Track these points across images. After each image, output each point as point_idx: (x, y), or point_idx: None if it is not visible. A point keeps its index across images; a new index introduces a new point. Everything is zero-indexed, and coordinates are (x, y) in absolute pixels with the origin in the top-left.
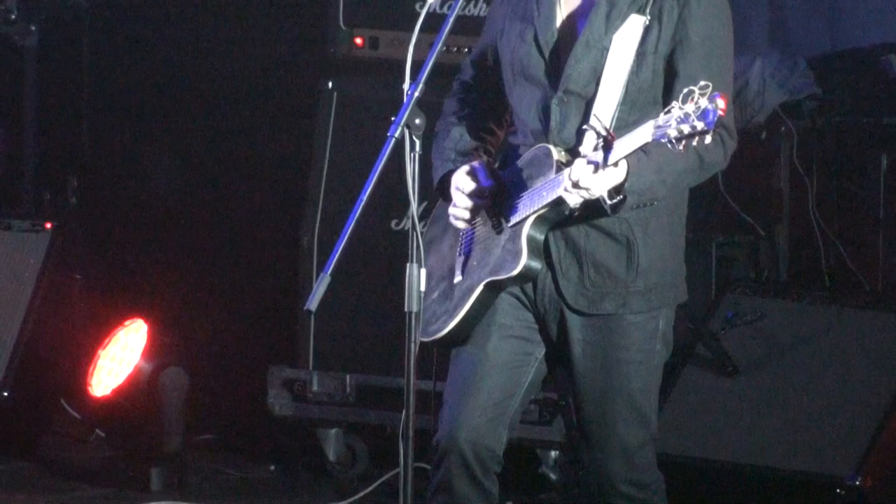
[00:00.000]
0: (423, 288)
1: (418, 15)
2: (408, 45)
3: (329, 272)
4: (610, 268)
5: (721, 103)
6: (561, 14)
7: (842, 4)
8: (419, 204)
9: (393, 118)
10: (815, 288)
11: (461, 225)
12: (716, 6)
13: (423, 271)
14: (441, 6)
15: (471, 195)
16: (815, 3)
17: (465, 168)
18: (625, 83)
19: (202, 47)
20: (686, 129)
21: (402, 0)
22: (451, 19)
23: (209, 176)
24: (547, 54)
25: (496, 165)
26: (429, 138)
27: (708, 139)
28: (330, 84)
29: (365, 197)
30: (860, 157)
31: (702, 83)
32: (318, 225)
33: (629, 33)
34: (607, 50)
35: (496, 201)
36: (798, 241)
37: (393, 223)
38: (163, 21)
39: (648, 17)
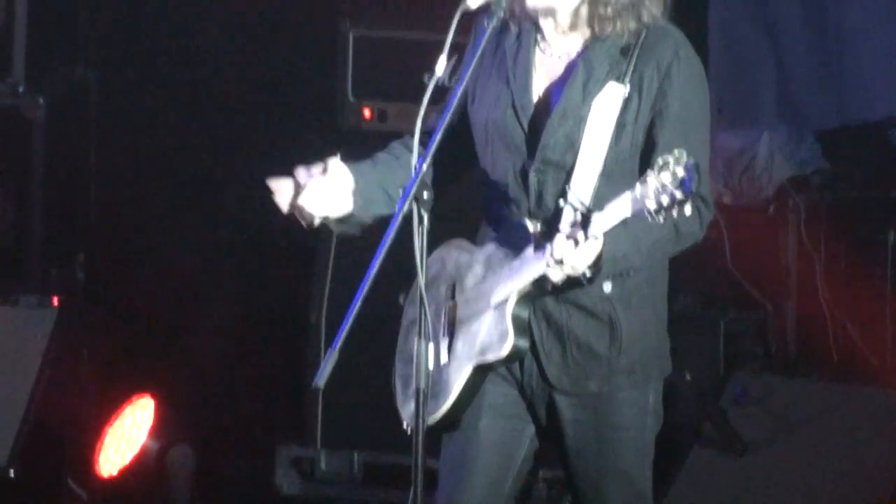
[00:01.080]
0: (431, 364)
1: (426, 87)
2: (416, 117)
3: (337, 348)
4: (593, 347)
5: (695, 171)
6: (538, 80)
7: (850, 78)
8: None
9: (401, 191)
10: (824, 365)
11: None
12: (695, 77)
13: (432, 346)
14: (449, 79)
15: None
16: (823, 77)
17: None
18: (604, 154)
19: (211, 120)
20: (665, 199)
21: (411, 72)
22: (459, 91)
23: (218, 252)
24: (524, 121)
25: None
26: (435, 213)
27: (687, 209)
28: (338, 156)
29: (373, 272)
30: (868, 231)
31: (676, 151)
32: (326, 301)
33: (608, 102)
34: (584, 120)
35: (476, 279)
36: (806, 317)
37: (401, 297)
38: (171, 96)
39: (628, 88)
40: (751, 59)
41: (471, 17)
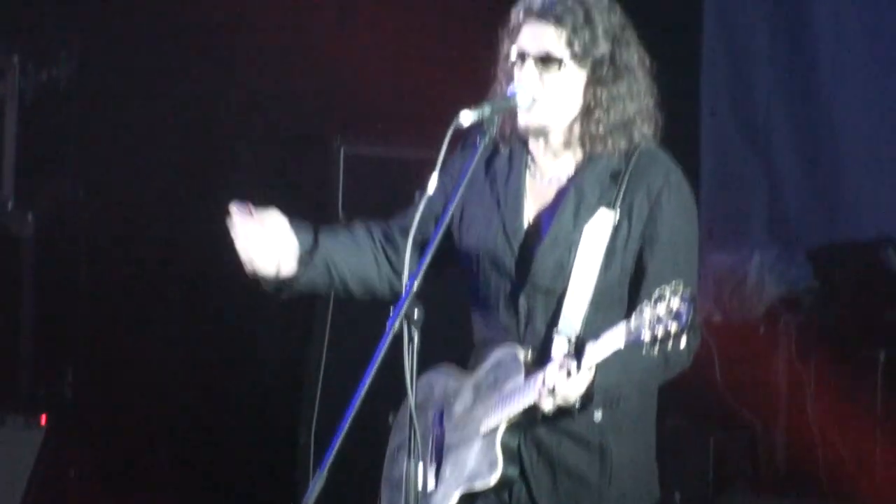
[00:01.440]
0: (420, 486)
1: (417, 205)
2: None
3: (325, 469)
4: (583, 475)
5: (692, 304)
6: (529, 205)
7: (842, 198)
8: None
9: (392, 310)
10: (813, 484)
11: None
12: (685, 204)
13: (422, 466)
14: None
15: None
16: (815, 196)
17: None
18: (594, 281)
19: (200, 237)
20: (660, 331)
21: (402, 190)
22: (451, 209)
23: (205, 370)
24: (515, 246)
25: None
26: (426, 331)
27: (682, 341)
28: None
29: (362, 392)
30: (858, 352)
31: (673, 283)
32: (315, 420)
33: (598, 228)
34: (575, 246)
35: (465, 406)
36: (796, 435)
37: (390, 417)
38: (161, 214)
39: (618, 214)
40: (742, 179)
41: (462, 135)
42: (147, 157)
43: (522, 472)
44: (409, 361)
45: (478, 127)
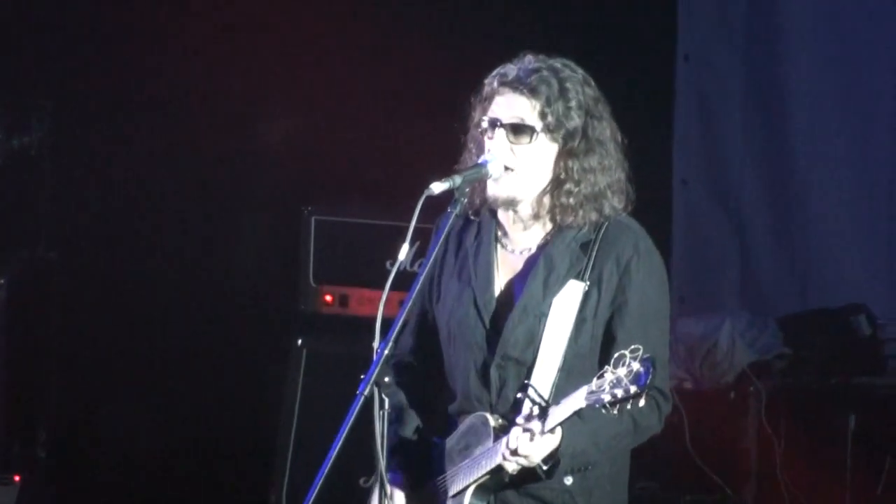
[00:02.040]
0: None
1: (388, 273)
2: (377, 302)
3: None
4: None
5: (651, 366)
6: (499, 277)
7: (812, 266)
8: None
9: (362, 376)
10: None
11: None
12: (654, 273)
13: None
14: (411, 264)
15: None
16: (785, 265)
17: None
18: (563, 350)
19: (173, 302)
20: (619, 392)
21: (372, 258)
22: (422, 278)
23: (179, 432)
24: (486, 318)
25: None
26: (408, 406)
27: (641, 402)
28: (299, 341)
29: (333, 454)
30: (829, 417)
31: (633, 346)
32: (286, 482)
33: (568, 299)
34: (545, 316)
35: (436, 474)
36: (766, 501)
37: (361, 480)
38: (134, 278)
39: (588, 283)
40: (714, 247)
41: (434, 205)
42: (118, 221)
43: None
44: (380, 426)
45: (449, 195)
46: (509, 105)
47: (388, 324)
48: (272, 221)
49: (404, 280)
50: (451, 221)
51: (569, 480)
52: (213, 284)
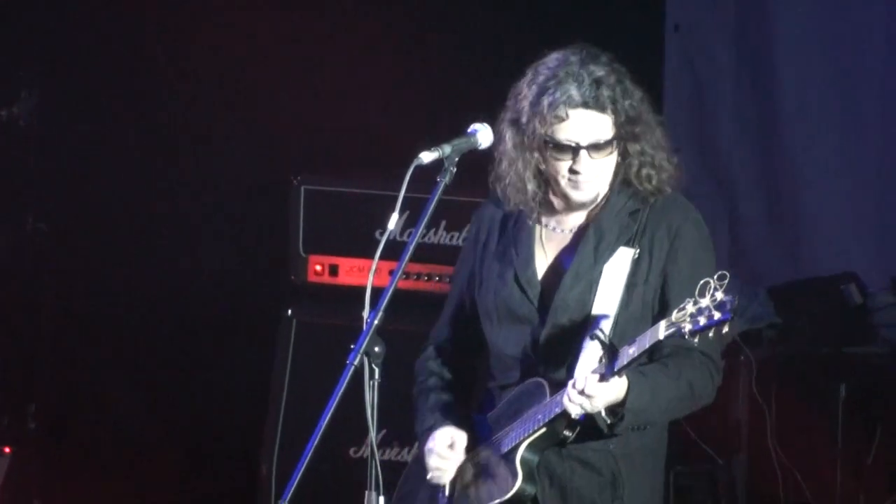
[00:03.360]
0: None
1: (378, 243)
2: (367, 272)
3: (287, 500)
4: (594, 502)
5: (736, 298)
6: (542, 252)
7: (802, 235)
8: (378, 432)
9: (352, 346)
10: None
11: (442, 481)
12: (704, 240)
13: (382, 499)
14: (401, 234)
15: (442, 454)
16: (775, 233)
17: (438, 431)
18: (615, 315)
19: (163, 273)
20: (703, 320)
21: (362, 228)
22: (412, 247)
23: (168, 403)
24: (530, 292)
25: (475, 413)
26: (387, 365)
27: (725, 329)
28: (289, 311)
29: (324, 424)
30: (819, 386)
31: (720, 273)
32: (276, 453)
33: (618, 266)
34: (597, 283)
35: (473, 442)
36: (756, 471)
37: (352, 450)
38: (124, 250)
39: (638, 250)
40: (705, 217)
41: (423, 174)
42: (108, 193)
43: (535, 500)
44: (370, 396)
45: (438, 165)
46: (586, 126)
47: (377, 293)
48: (261, 191)
49: (394, 249)
50: (440, 188)
51: (612, 445)
52: (203, 255)
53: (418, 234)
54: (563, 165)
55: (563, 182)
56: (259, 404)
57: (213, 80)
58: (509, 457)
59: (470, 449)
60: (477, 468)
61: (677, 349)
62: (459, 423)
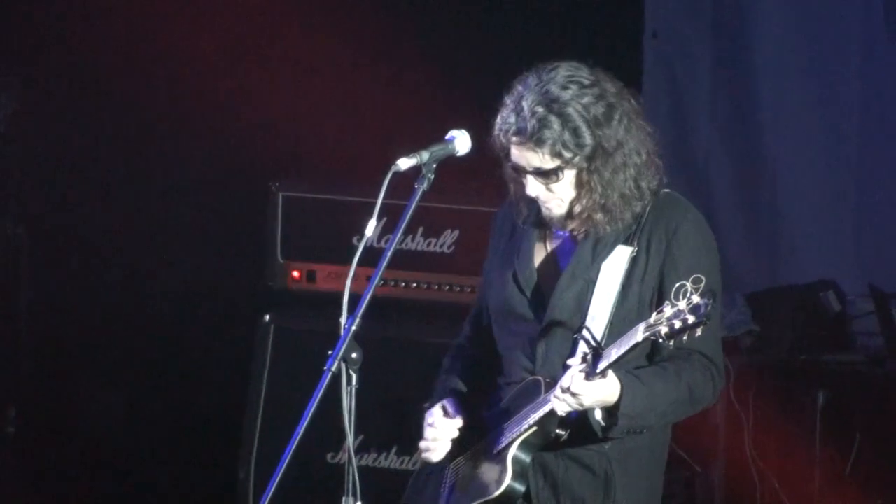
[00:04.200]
0: None
1: (355, 249)
2: (345, 278)
3: None
4: (586, 501)
5: (712, 299)
6: (542, 252)
7: (781, 242)
8: (355, 437)
9: (330, 352)
10: None
11: (433, 458)
12: (704, 242)
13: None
14: (378, 240)
15: (439, 427)
16: (754, 241)
17: (438, 405)
18: (610, 313)
19: (142, 278)
20: (677, 323)
21: (340, 234)
22: (389, 254)
23: (147, 408)
24: (528, 291)
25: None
26: (365, 371)
27: (699, 332)
28: (267, 317)
29: (301, 430)
30: (797, 393)
31: (694, 276)
32: (254, 458)
33: (615, 264)
34: (594, 283)
35: (480, 438)
36: (734, 479)
37: (329, 456)
38: (103, 254)
39: (636, 248)
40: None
41: (401, 181)
42: (89, 198)
43: (528, 497)
44: (348, 402)
45: (416, 171)
46: (524, 157)
47: (355, 300)
48: (239, 197)
49: (372, 256)
50: (418, 194)
51: (607, 445)
52: (181, 260)
53: (396, 241)
54: (523, 185)
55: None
56: (237, 410)
57: (191, 87)
58: (501, 454)
59: (472, 444)
60: (473, 465)
61: (678, 351)
62: (462, 409)
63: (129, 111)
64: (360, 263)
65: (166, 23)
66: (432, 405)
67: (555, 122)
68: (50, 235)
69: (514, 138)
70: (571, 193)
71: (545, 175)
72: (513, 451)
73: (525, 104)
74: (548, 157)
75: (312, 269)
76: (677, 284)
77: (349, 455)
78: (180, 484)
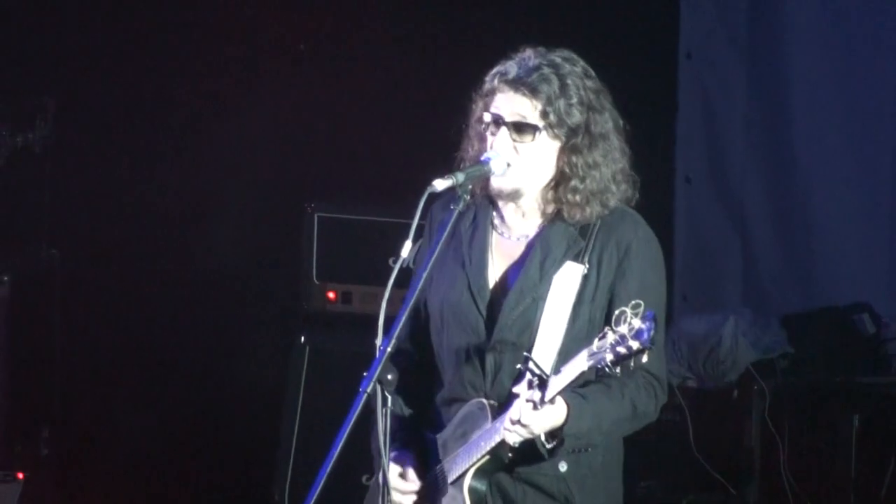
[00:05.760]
0: None
1: (391, 270)
2: (380, 300)
3: None
4: None
5: (653, 322)
6: (494, 263)
7: (815, 264)
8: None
9: (365, 373)
10: None
11: None
12: (654, 258)
13: None
14: (414, 262)
15: (398, 487)
16: (789, 263)
17: (395, 469)
18: (562, 334)
19: (176, 299)
20: (622, 350)
21: (375, 255)
22: (424, 275)
23: (181, 429)
24: (481, 304)
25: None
26: (402, 392)
27: (645, 358)
28: (302, 338)
29: (336, 451)
30: (832, 416)
31: (633, 302)
32: (289, 479)
33: (566, 281)
34: (543, 299)
35: (432, 468)
36: (769, 500)
37: (364, 478)
38: (136, 276)
39: (587, 266)
40: (717, 244)
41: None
42: (121, 218)
43: None
44: (383, 423)
45: (451, 192)
46: (511, 104)
47: (390, 321)
48: (275, 219)
49: (407, 277)
50: (454, 215)
51: (563, 467)
52: (216, 282)
53: (430, 263)
54: (488, 143)
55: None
56: (272, 430)
57: (227, 107)
58: (457, 484)
59: (422, 471)
60: (429, 498)
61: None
62: (409, 444)
63: (163, 133)
64: (395, 284)
65: (200, 45)
66: (397, 449)
67: (554, 83)
68: (83, 257)
69: (508, 83)
70: (533, 165)
71: (521, 130)
72: (468, 480)
73: (530, 61)
74: (537, 110)
75: (348, 290)
76: (617, 312)
77: (384, 476)
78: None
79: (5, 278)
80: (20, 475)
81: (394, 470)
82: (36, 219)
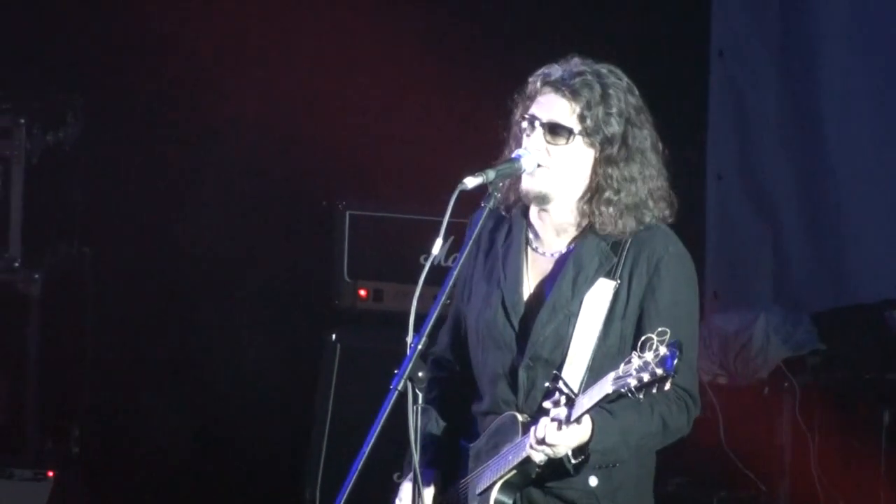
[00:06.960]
0: None
1: (422, 268)
2: (411, 297)
3: None
4: None
5: (677, 350)
6: (528, 279)
7: (846, 261)
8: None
9: (396, 371)
10: None
11: None
12: (685, 274)
13: None
14: (445, 259)
15: None
16: (820, 260)
17: (405, 484)
18: (592, 349)
19: (207, 298)
20: (646, 377)
21: (406, 253)
22: (455, 272)
23: (212, 428)
24: (515, 321)
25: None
26: (441, 402)
27: (667, 385)
28: (334, 336)
29: (367, 449)
30: (863, 413)
31: (660, 329)
32: (320, 477)
33: (598, 298)
34: (575, 315)
35: (462, 478)
36: (800, 497)
37: (396, 476)
38: (168, 274)
39: (619, 282)
40: (748, 242)
41: (467, 199)
42: (152, 216)
43: None
44: (414, 421)
45: (483, 190)
46: (549, 105)
47: (421, 318)
48: (306, 216)
49: (438, 275)
50: (483, 217)
51: (594, 482)
52: (247, 280)
53: (462, 260)
54: (523, 144)
55: None
56: (303, 429)
57: (259, 106)
58: (483, 496)
59: (453, 478)
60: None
61: None
62: (435, 462)
63: (193, 131)
64: (426, 282)
65: (230, 45)
66: (405, 475)
67: (596, 90)
68: (115, 255)
69: (550, 83)
70: (565, 169)
71: (555, 132)
72: (495, 494)
73: (576, 67)
74: (574, 113)
75: (379, 287)
76: (643, 338)
77: (415, 474)
78: (245, 502)
79: (36, 276)
80: (50, 473)
81: (407, 493)
82: (67, 217)
